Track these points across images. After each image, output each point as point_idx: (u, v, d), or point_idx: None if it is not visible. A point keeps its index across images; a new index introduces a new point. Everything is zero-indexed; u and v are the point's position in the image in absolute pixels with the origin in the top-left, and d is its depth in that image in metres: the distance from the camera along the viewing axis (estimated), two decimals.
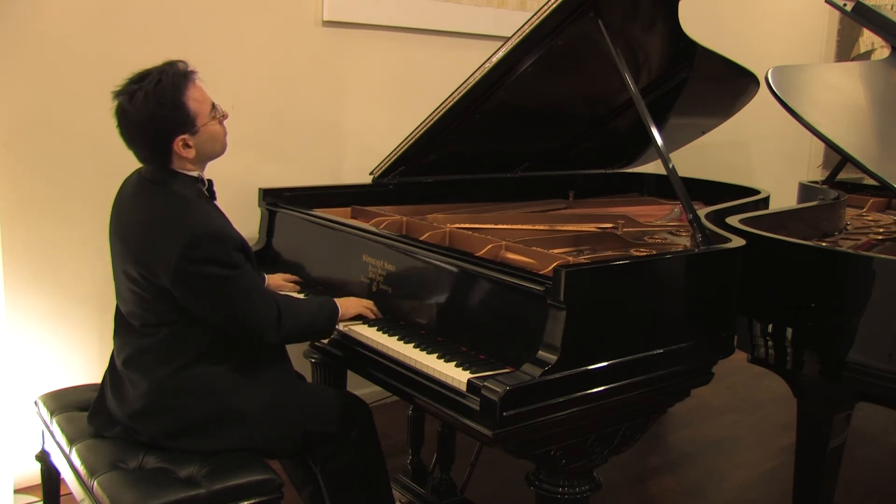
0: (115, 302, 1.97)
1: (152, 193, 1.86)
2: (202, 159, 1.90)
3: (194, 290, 1.79)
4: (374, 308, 2.11)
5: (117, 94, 1.83)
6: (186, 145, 1.83)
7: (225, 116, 1.92)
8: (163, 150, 1.83)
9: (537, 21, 2.18)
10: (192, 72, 1.86)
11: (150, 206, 1.85)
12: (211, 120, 1.87)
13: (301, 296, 2.32)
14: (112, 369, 1.97)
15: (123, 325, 1.94)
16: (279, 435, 1.94)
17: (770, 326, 2.21)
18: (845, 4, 2.99)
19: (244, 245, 1.86)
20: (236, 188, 2.99)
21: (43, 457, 2.16)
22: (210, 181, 1.95)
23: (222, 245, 1.79)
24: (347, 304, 2.07)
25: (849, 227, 2.86)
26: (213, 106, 1.88)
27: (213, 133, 1.88)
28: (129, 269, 1.85)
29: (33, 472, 2.45)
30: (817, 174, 4.50)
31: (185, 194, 1.85)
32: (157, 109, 1.78)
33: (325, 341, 2.14)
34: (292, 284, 2.42)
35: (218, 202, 1.98)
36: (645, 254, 2.28)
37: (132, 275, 1.84)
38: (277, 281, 2.40)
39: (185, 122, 1.82)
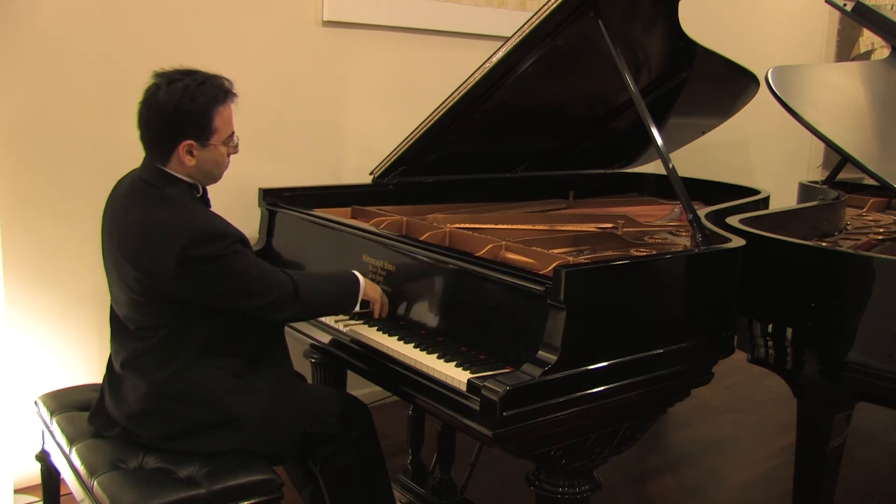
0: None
1: (147, 195, 1.85)
2: (197, 175, 1.88)
3: (202, 287, 1.79)
4: (387, 303, 2.09)
5: (159, 76, 1.83)
6: (190, 153, 1.83)
7: (236, 150, 1.92)
8: (168, 145, 1.82)
9: (537, 21, 2.18)
10: (235, 94, 1.88)
11: (146, 207, 1.84)
12: (223, 145, 1.87)
13: None
14: (110, 371, 1.97)
15: (119, 328, 1.93)
16: (279, 438, 1.94)
17: (770, 326, 2.21)
18: (845, 4, 2.99)
19: (244, 239, 1.85)
20: (236, 188, 2.98)
21: (43, 457, 2.16)
22: (205, 189, 1.94)
23: (221, 242, 1.79)
24: (369, 283, 2.04)
25: (849, 227, 2.86)
26: (232, 134, 1.89)
27: (218, 157, 1.88)
28: (124, 271, 1.84)
29: (33, 472, 2.45)
30: (817, 174, 4.50)
31: (180, 197, 1.84)
32: (188, 105, 1.78)
33: (326, 341, 2.14)
34: None
35: (217, 203, 1.98)
36: (645, 254, 2.28)
37: (127, 277, 1.83)
38: None
39: (202, 130, 1.82)
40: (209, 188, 1.96)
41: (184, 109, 1.78)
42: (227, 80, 1.88)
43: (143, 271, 1.79)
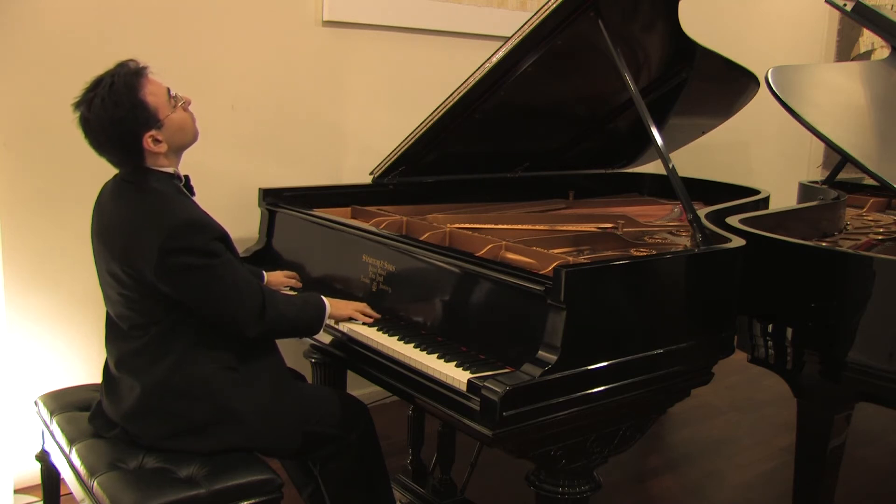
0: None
1: (130, 192, 1.86)
2: (176, 151, 1.90)
3: (177, 281, 1.79)
4: (369, 311, 2.10)
5: (77, 105, 1.84)
6: (156, 140, 1.83)
7: (188, 102, 1.90)
8: (133, 150, 1.83)
9: (537, 21, 2.18)
10: (144, 67, 1.86)
11: (129, 204, 1.85)
12: (173, 110, 1.86)
13: (293, 293, 2.32)
14: (106, 374, 1.97)
15: (114, 330, 1.94)
16: (278, 434, 1.94)
17: (770, 326, 2.21)
18: (845, 4, 2.99)
19: (225, 236, 1.86)
20: (236, 188, 2.99)
21: (43, 457, 2.16)
22: (187, 177, 1.95)
23: (202, 234, 1.79)
24: (340, 307, 2.06)
25: (849, 227, 2.86)
26: (171, 95, 1.87)
27: (179, 122, 1.87)
28: (114, 269, 1.84)
29: (33, 472, 2.45)
30: (817, 174, 4.50)
31: (163, 190, 1.85)
32: (116, 112, 1.78)
33: (327, 341, 2.14)
34: (293, 281, 2.42)
35: (218, 203, 1.98)
36: (645, 254, 2.28)
37: (118, 275, 1.84)
38: (279, 278, 2.40)
39: (147, 118, 1.81)
40: (200, 186, 1.97)
41: (117, 117, 1.78)
42: (132, 60, 1.86)
43: (130, 265, 1.80)
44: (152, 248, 1.75)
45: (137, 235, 1.79)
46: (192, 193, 1.96)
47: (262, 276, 2.35)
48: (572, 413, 1.69)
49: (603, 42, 2.19)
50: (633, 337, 1.82)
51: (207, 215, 1.85)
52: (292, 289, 2.39)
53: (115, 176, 1.94)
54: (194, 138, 1.93)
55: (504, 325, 1.83)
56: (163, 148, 1.85)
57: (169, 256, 1.75)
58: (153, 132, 1.82)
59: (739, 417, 3.66)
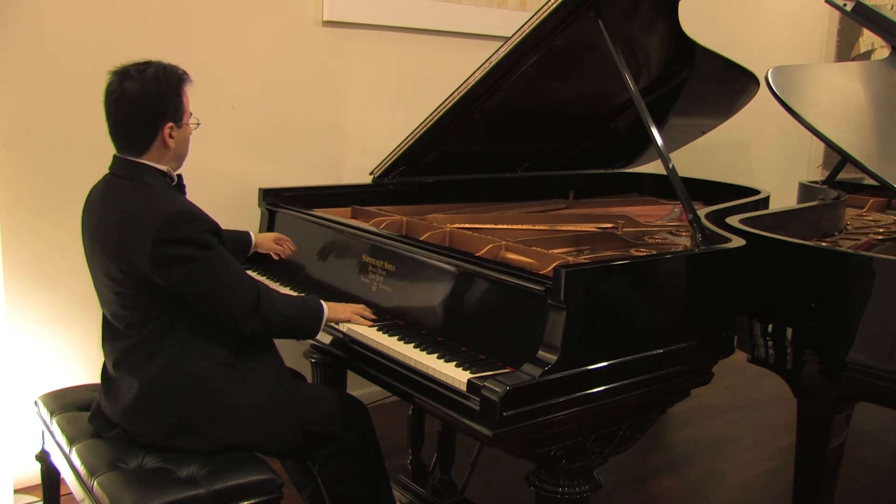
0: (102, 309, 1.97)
1: (123, 188, 1.87)
2: (173, 159, 1.92)
3: (171, 273, 1.79)
4: (367, 313, 2.09)
5: (118, 73, 1.86)
6: (171, 135, 1.87)
7: (197, 125, 1.96)
8: (151, 132, 1.85)
9: (537, 21, 2.18)
10: (189, 74, 1.93)
11: (123, 200, 1.86)
12: (187, 124, 1.92)
13: (293, 293, 2.33)
14: (105, 375, 1.97)
15: (110, 330, 1.94)
16: (278, 433, 1.94)
17: (770, 326, 2.21)
18: (845, 4, 2.99)
19: (217, 228, 1.86)
20: (236, 188, 2.99)
21: (43, 457, 2.16)
22: (179, 176, 1.96)
23: (195, 226, 1.80)
24: (338, 310, 2.05)
25: (849, 227, 2.86)
26: (191, 112, 1.94)
27: (188, 136, 1.94)
28: (109, 267, 1.85)
29: (33, 472, 2.45)
30: (817, 174, 4.49)
31: (156, 185, 1.87)
32: (165, 88, 1.85)
33: (327, 341, 2.13)
34: (281, 247, 2.46)
35: (217, 203, 1.98)
36: (645, 254, 2.28)
37: (113, 273, 1.84)
38: (268, 242, 2.46)
39: (177, 110, 1.88)
40: (200, 185, 1.98)
41: (163, 93, 1.84)
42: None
43: (125, 260, 1.81)
44: (146, 240, 1.76)
45: (132, 229, 1.80)
46: (184, 192, 1.97)
47: (250, 239, 2.37)
48: (572, 413, 1.69)
49: (603, 42, 2.19)
50: (633, 337, 1.81)
51: (199, 209, 1.86)
52: (291, 288, 2.40)
53: (105, 176, 1.95)
54: (183, 161, 1.97)
55: (504, 325, 1.83)
56: (171, 144, 1.88)
57: (163, 247, 1.76)
58: (173, 125, 1.87)
59: (739, 417, 3.66)
